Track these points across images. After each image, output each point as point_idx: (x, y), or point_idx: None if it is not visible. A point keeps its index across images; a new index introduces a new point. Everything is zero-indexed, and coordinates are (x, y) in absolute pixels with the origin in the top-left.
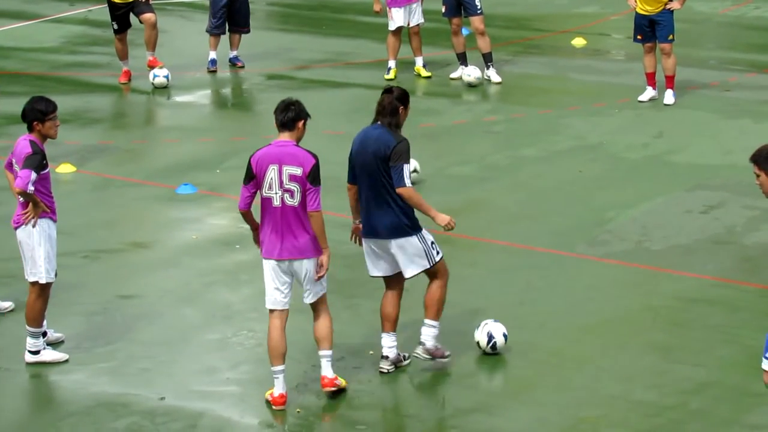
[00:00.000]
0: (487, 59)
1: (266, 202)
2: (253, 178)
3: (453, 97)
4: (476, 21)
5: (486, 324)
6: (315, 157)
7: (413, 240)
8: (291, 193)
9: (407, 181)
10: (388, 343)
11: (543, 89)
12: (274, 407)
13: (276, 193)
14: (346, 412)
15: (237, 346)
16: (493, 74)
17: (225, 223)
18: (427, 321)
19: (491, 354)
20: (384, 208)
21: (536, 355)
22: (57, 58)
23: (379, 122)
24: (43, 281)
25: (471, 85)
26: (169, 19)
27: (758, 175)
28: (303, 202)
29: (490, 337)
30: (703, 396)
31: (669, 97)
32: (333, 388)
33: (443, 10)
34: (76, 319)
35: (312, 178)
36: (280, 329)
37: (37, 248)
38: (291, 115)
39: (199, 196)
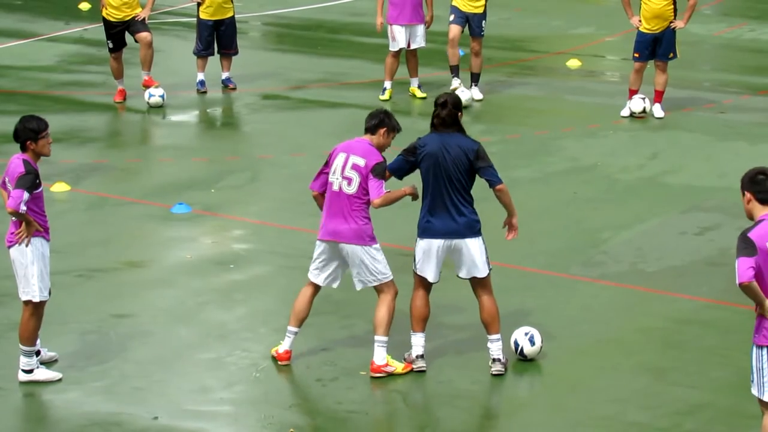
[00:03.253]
0: (474, 79)
1: (329, 186)
2: (327, 164)
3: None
4: (475, 42)
5: (515, 333)
6: (383, 158)
7: (481, 241)
8: (349, 180)
9: (501, 179)
10: (421, 342)
11: (538, 110)
12: (278, 362)
13: (337, 179)
14: None
15: (231, 365)
16: (476, 92)
17: (219, 242)
18: (492, 336)
19: (524, 359)
20: (459, 209)
21: (530, 376)
22: (52, 76)
23: (450, 130)
24: (36, 300)
25: (465, 107)
26: (164, 38)
27: (743, 196)
28: (360, 191)
29: (516, 344)
30: (696, 418)
31: (658, 110)
32: (377, 374)
33: (451, 18)
34: (70, 338)
35: (375, 172)
36: (305, 296)
37: (30, 267)
38: (375, 122)
39: (194, 216)
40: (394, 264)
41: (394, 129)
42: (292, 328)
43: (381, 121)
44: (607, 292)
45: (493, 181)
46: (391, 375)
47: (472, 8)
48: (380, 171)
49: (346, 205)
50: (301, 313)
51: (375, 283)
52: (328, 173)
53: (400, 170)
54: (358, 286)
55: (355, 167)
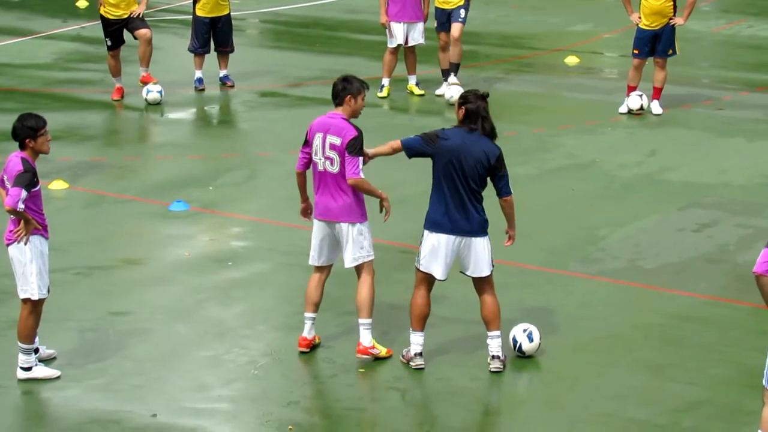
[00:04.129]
0: (453, 69)
1: (314, 166)
2: (306, 143)
3: (446, 115)
4: (455, 27)
5: (513, 330)
6: (357, 130)
7: (488, 240)
8: (331, 160)
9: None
10: (420, 341)
11: (536, 107)
12: (298, 348)
13: (320, 159)
14: (338, 429)
15: (229, 363)
16: (452, 79)
17: (218, 239)
18: (492, 333)
19: (522, 355)
20: (472, 207)
21: (528, 373)
22: (50, 74)
23: (474, 129)
24: (35, 298)
25: (452, 105)
26: (162, 35)
27: None
28: (342, 169)
29: (515, 341)
30: (695, 414)
31: (656, 107)
32: (364, 355)
33: (435, 25)
34: (69, 336)
35: (350, 148)
36: (316, 281)
37: (29, 265)
38: (338, 91)
39: (192, 213)
40: (393, 261)
41: (359, 91)
42: (307, 314)
43: (343, 89)
44: (605, 289)
45: (504, 191)
46: (376, 357)
47: (449, 5)
48: (356, 147)
49: (332, 183)
50: (312, 297)
51: (360, 261)
52: (308, 152)
53: (412, 150)
54: (349, 263)
55: (333, 147)
